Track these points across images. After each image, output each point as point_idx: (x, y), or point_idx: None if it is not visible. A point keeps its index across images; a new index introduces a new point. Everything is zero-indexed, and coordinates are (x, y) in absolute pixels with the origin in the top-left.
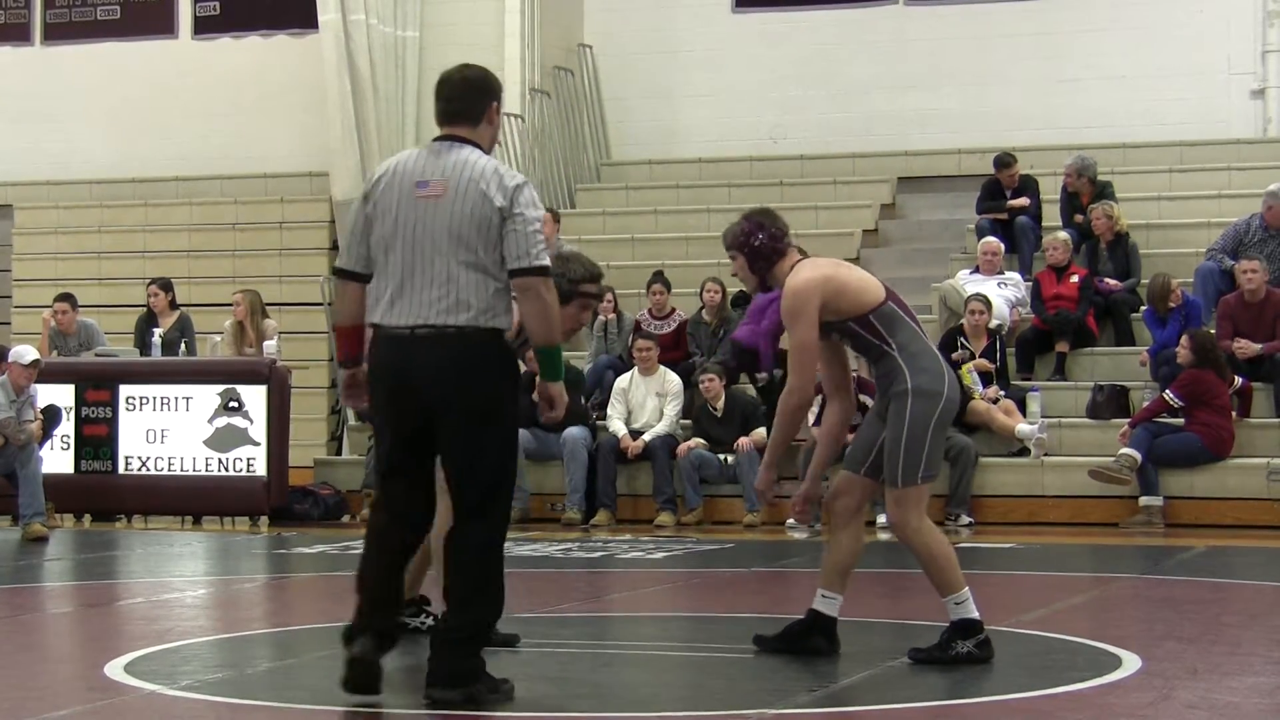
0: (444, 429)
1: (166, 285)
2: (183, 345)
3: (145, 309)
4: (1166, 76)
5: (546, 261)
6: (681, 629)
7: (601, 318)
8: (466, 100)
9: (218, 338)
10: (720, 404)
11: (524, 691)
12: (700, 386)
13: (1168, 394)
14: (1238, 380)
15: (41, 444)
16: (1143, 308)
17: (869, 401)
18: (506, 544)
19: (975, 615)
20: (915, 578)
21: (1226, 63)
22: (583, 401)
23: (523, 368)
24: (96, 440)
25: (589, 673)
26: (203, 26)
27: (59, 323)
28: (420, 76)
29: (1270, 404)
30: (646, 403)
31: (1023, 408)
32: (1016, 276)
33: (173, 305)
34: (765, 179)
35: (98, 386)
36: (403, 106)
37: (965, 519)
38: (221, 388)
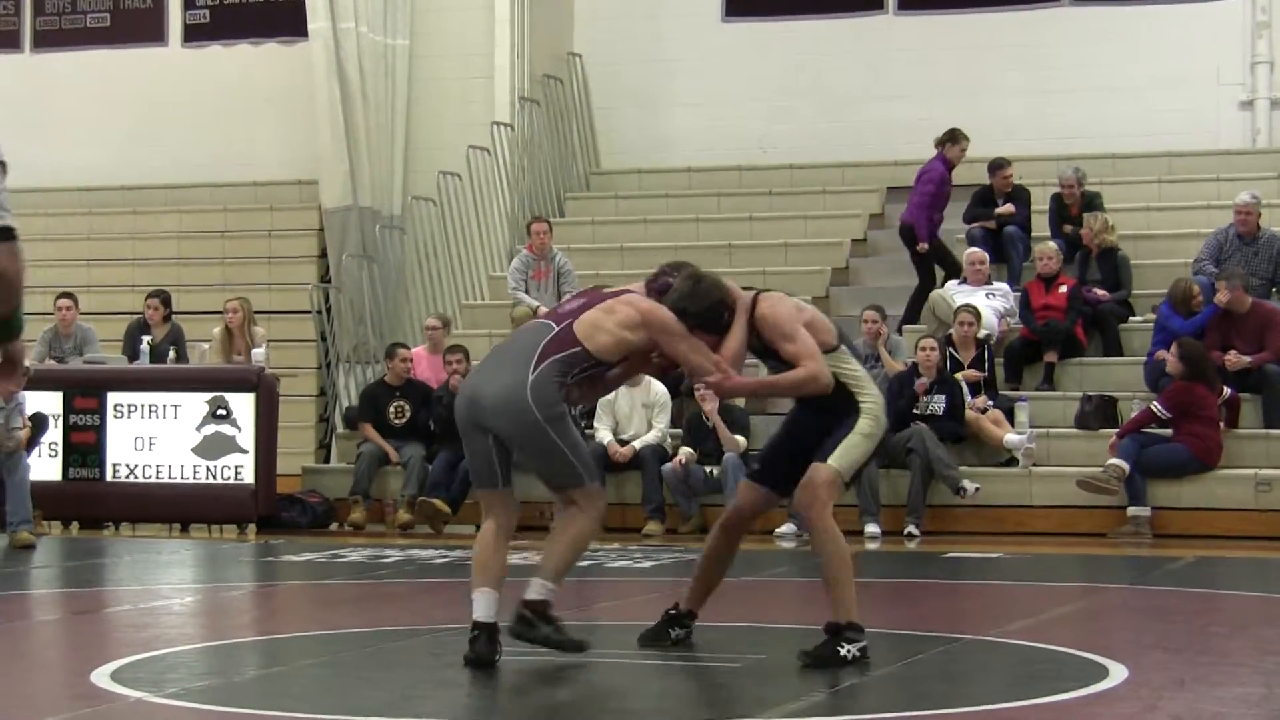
0: None
1: (166, 299)
2: (171, 352)
3: (139, 317)
4: (1156, 87)
5: (9, 223)
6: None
7: None
8: None
9: (205, 345)
10: (715, 415)
11: (507, 701)
12: (698, 396)
13: (1155, 405)
14: (1226, 391)
15: (29, 451)
16: (1149, 309)
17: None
18: None
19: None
20: (905, 586)
21: (1215, 73)
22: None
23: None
24: (84, 447)
25: (574, 681)
26: (192, 34)
27: (60, 320)
28: (410, 85)
29: (1258, 415)
30: (633, 414)
31: (1011, 418)
32: (1005, 287)
33: (166, 318)
34: (754, 188)
35: (86, 394)
36: (392, 114)
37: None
38: (209, 395)
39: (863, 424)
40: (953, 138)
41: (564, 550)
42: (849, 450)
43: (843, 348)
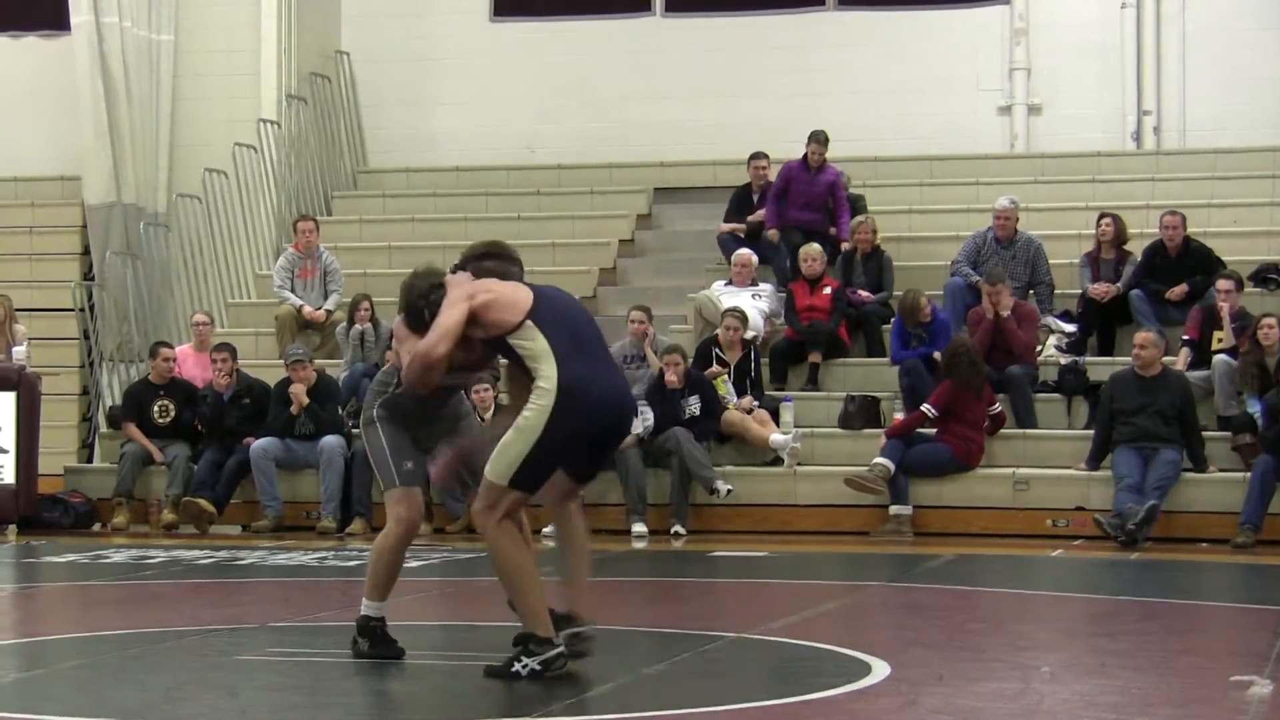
0: None
1: None
2: None
3: None
4: (918, 91)
5: None
6: (436, 637)
7: (358, 326)
8: None
9: None
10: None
11: (276, 702)
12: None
13: (926, 407)
14: (997, 406)
15: None
16: (891, 320)
17: None
18: (261, 552)
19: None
20: (670, 585)
21: (975, 79)
22: (338, 410)
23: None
24: None
25: (341, 682)
26: None
27: None
28: (175, 81)
29: (1012, 416)
30: None
31: (776, 418)
32: (769, 288)
33: None
34: (522, 188)
35: None
36: (157, 110)
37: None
38: None
39: (520, 418)
40: (810, 137)
41: (369, 564)
42: (501, 454)
43: (529, 323)
